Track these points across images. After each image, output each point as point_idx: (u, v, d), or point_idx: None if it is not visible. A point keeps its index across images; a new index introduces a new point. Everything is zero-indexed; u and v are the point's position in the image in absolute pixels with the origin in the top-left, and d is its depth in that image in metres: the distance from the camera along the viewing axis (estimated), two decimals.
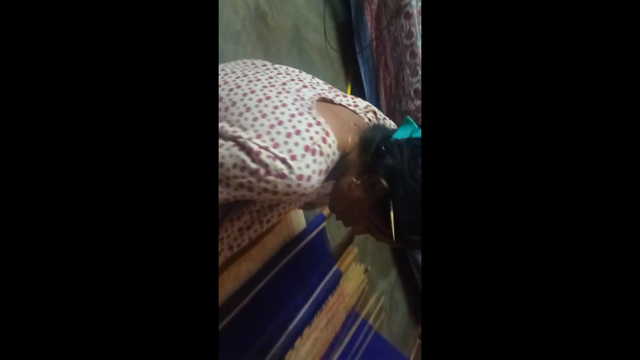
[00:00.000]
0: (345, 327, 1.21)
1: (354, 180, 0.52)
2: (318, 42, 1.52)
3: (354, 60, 1.63)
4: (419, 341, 2.02)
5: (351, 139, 0.53)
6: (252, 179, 0.46)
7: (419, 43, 1.35)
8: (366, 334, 1.24)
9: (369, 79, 1.62)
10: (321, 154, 0.47)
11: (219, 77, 0.54)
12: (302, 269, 1.05)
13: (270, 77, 0.52)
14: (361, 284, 1.32)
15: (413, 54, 1.39)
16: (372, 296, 1.45)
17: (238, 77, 0.52)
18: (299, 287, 1.07)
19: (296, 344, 1.02)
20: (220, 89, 0.51)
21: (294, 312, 1.05)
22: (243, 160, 0.45)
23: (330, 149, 0.48)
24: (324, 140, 0.47)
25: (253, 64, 0.59)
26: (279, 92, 0.49)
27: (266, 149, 0.45)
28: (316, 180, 0.47)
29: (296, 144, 0.45)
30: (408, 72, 1.42)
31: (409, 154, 0.49)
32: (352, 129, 0.53)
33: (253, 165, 0.45)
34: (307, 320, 1.10)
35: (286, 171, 0.45)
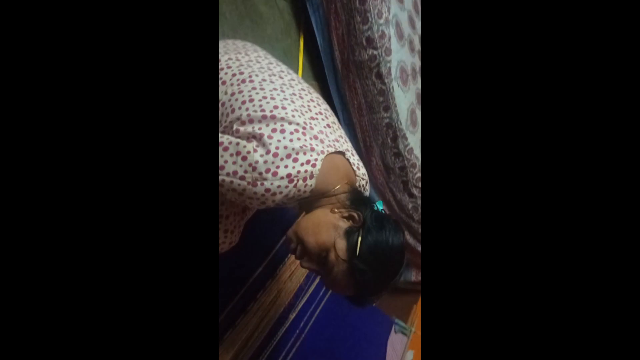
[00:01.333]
0: (309, 278, 1.24)
1: (334, 209, 0.62)
2: None
3: (304, 9, 1.56)
4: None
5: (338, 188, 0.62)
6: (226, 179, 0.55)
7: None
8: None
9: (321, 29, 1.56)
10: (295, 186, 0.56)
11: (254, 80, 0.62)
12: (261, 225, 1.05)
13: (302, 105, 0.62)
14: None
15: (362, 0, 1.34)
16: None
17: (266, 82, 0.62)
18: (259, 242, 1.08)
19: (259, 296, 1.04)
20: (254, 91, 0.60)
21: (255, 266, 1.06)
22: (226, 161, 0.55)
23: (304, 188, 0.58)
24: (304, 180, 0.57)
25: (278, 65, 0.68)
26: (306, 122, 0.59)
27: (262, 155, 0.54)
28: (279, 199, 0.57)
29: (286, 166, 0.55)
30: (359, 19, 1.38)
31: (379, 217, 0.62)
32: (342, 186, 0.63)
33: (233, 167, 0.54)
34: (270, 274, 1.12)
35: (259, 182, 0.54)
